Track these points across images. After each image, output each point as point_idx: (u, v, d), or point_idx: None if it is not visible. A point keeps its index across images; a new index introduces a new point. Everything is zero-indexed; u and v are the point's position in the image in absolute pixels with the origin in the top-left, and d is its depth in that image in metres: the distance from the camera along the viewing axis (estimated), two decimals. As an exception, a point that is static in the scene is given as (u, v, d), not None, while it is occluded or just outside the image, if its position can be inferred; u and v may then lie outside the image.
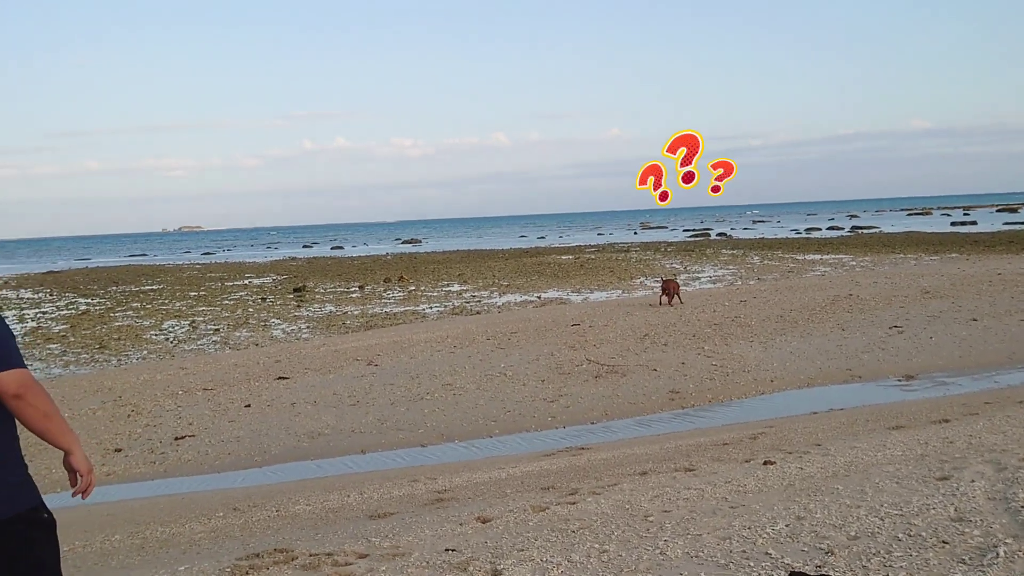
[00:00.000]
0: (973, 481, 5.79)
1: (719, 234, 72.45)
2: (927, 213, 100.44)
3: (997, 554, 4.32)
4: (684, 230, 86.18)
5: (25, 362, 3.20)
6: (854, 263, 34.24)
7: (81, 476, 3.35)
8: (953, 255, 34.43)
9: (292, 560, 5.54)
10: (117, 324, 24.94)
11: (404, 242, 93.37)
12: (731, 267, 35.09)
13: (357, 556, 5.51)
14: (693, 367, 13.52)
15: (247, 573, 5.36)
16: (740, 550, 4.81)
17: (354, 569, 5.21)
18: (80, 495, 3.38)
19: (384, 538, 5.88)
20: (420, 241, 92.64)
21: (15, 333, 3.31)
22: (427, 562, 5.11)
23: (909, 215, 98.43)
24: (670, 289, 21.24)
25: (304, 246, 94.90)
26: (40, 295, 37.51)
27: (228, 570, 5.46)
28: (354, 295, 30.78)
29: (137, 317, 26.74)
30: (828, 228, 72.95)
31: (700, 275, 32.50)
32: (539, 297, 27.21)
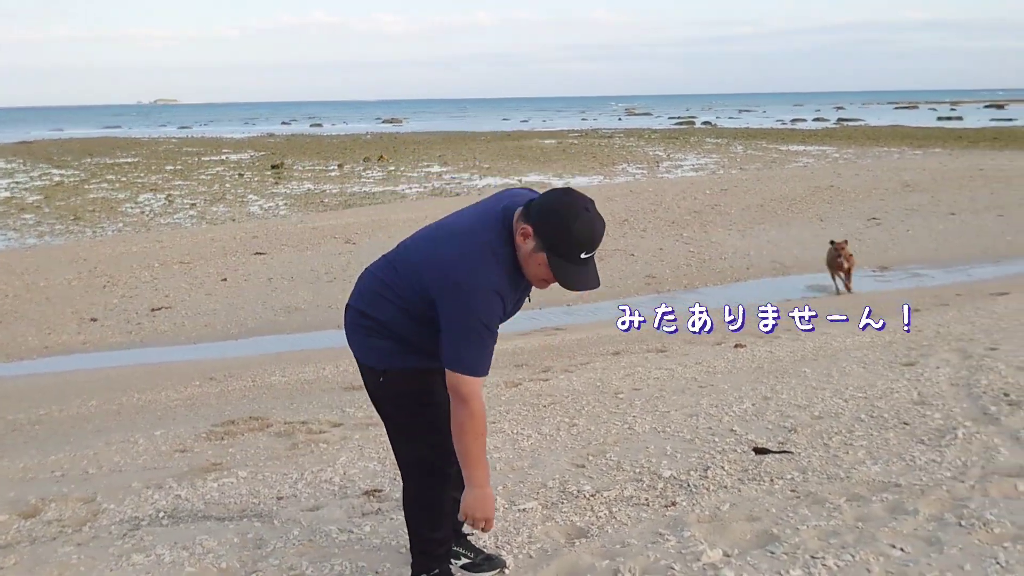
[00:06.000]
0: (938, 368, 5.89)
1: (704, 122, 71.68)
2: (914, 107, 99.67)
3: (956, 436, 4.43)
4: (669, 117, 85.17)
5: (473, 369, 2.80)
6: (837, 155, 34.09)
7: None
8: (936, 150, 34.26)
9: (267, 427, 5.62)
10: (92, 196, 24.62)
11: (384, 121, 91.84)
12: (714, 156, 34.87)
13: (331, 425, 5.60)
14: (671, 253, 13.57)
15: (222, 438, 5.44)
16: (706, 427, 4.91)
17: (328, 436, 5.29)
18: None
19: (358, 408, 5.95)
20: (401, 121, 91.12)
21: None
22: (400, 432, 5.19)
23: (896, 108, 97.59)
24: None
25: (282, 123, 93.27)
26: (13, 165, 36.83)
27: (204, 435, 5.53)
28: (333, 174, 30.43)
29: (112, 189, 26.39)
30: (814, 119, 72.33)
31: (683, 163, 32.30)
32: (520, 181, 27.01)
